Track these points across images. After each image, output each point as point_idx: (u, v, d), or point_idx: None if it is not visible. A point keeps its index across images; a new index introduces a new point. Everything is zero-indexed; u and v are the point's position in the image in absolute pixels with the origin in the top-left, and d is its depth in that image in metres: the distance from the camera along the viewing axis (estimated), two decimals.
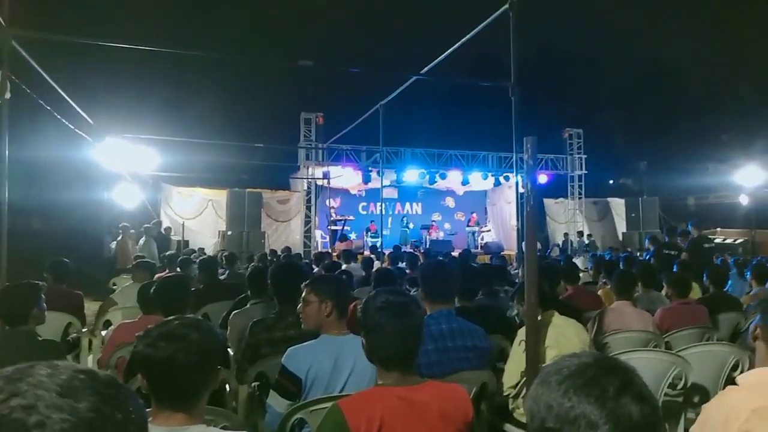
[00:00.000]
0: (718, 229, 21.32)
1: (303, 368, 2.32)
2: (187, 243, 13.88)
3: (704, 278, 5.29)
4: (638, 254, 11.50)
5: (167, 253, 8.20)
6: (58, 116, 8.12)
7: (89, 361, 4.57)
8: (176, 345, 1.47)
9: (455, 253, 12.44)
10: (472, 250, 14.95)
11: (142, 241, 11.10)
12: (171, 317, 1.63)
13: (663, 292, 5.00)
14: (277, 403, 2.36)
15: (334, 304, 2.48)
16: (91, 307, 7.22)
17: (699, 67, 35.73)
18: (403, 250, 12.19)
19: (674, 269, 6.10)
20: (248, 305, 4.11)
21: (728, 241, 19.20)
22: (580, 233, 18.83)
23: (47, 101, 7.59)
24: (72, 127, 8.77)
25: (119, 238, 11.51)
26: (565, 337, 2.98)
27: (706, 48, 36.30)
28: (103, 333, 4.38)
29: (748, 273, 5.68)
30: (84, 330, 4.82)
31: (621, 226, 19.39)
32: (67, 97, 7.51)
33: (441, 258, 7.88)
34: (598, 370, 0.95)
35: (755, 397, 1.62)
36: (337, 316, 2.50)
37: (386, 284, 4.24)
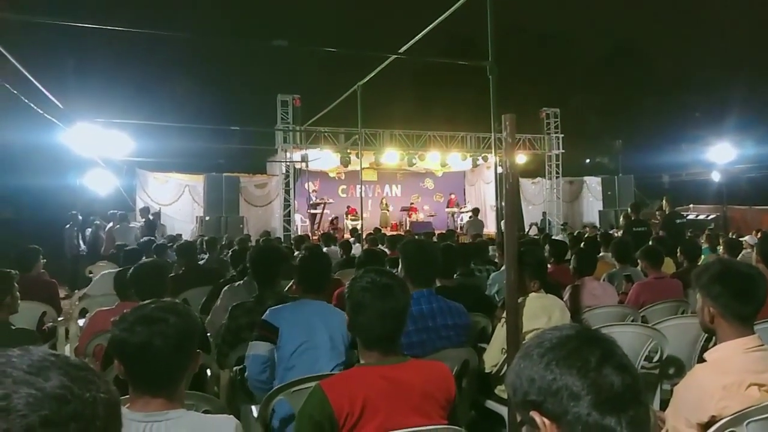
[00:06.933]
0: (692, 205, 21.78)
1: (279, 319, 2.56)
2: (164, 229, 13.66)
3: (678, 253, 5.39)
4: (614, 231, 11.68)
5: (142, 240, 8.05)
6: (26, 100, 7.86)
7: (66, 350, 4.50)
8: (153, 329, 1.44)
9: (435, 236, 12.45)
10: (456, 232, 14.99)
11: (117, 227, 10.82)
12: (147, 301, 1.60)
13: (638, 268, 5.09)
14: (257, 349, 2.53)
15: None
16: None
17: (672, 47, 36.16)
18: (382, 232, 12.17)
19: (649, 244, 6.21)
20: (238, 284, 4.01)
21: (701, 216, 19.63)
22: (544, 213, 19.01)
23: (13, 85, 7.34)
24: (41, 112, 8.51)
25: (100, 226, 11.25)
26: (550, 318, 3.02)
27: (678, 28, 36.70)
28: (80, 322, 4.31)
29: (721, 247, 5.81)
30: (60, 319, 4.73)
31: (595, 205, 19.63)
32: (34, 81, 7.26)
33: (422, 238, 7.86)
34: (579, 341, 0.96)
35: (723, 374, 1.65)
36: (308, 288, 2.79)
37: (373, 264, 4.16)
